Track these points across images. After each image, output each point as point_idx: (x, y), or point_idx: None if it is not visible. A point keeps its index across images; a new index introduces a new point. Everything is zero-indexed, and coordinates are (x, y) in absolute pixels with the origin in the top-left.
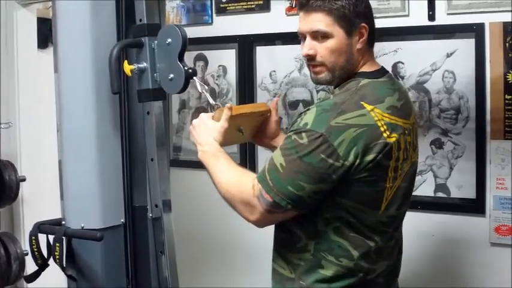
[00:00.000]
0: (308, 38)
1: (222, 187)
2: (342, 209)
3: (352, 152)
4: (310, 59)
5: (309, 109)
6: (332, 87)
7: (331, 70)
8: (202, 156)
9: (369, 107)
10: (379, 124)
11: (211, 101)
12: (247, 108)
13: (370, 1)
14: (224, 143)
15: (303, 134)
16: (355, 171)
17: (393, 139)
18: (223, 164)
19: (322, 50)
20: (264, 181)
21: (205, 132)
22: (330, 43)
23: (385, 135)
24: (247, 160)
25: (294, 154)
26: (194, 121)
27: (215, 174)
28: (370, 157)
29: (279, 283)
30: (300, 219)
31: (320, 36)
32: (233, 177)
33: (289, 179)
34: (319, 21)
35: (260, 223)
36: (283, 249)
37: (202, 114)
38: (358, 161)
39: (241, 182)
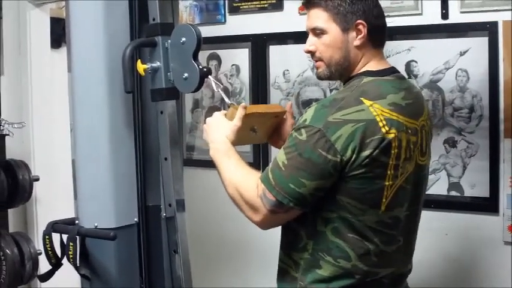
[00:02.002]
0: (310, 35)
1: (229, 186)
2: (342, 207)
3: (349, 147)
4: (312, 55)
5: (310, 106)
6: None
7: (328, 65)
8: (214, 154)
9: (368, 103)
10: (378, 119)
11: (226, 100)
12: (261, 108)
13: (383, 0)
14: (237, 142)
15: (302, 130)
16: (353, 166)
17: (392, 135)
18: (233, 164)
19: (319, 45)
20: (267, 180)
21: (219, 131)
22: (326, 39)
23: (383, 130)
24: (260, 159)
25: (294, 151)
26: (208, 119)
27: (224, 173)
28: (366, 152)
29: (284, 282)
30: (302, 219)
31: (318, 32)
32: (240, 177)
33: (291, 176)
34: (317, 17)
35: (264, 224)
36: (288, 248)
37: (216, 113)
38: (355, 156)
39: (246, 182)
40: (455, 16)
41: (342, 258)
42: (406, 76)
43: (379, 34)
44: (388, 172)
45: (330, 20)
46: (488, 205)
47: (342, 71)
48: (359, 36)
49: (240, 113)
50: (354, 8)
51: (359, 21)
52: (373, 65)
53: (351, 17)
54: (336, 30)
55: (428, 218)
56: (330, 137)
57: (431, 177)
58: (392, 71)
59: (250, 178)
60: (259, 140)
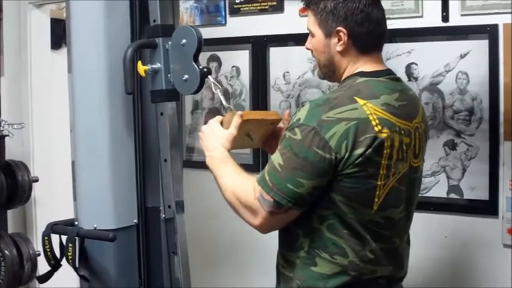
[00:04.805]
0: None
1: (226, 192)
2: (336, 205)
3: (343, 145)
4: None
5: (303, 105)
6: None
7: (318, 66)
8: (210, 162)
9: (361, 102)
10: (371, 118)
11: (224, 102)
12: (257, 115)
13: (384, 2)
14: (232, 148)
15: (296, 130)
16: (346, 165)
17: (384, 134)
18: (230, 171)
19: (311, 46)
20: (263, 182)
21: (214, 139)
22: (313, 41)
23: (376, 129)
24: (260, 160)
25: (290, 151)
26: (203, 127)
27: (221, 180)
28: (359, 151)
29: (280, 283)
30: (298, 218)
31: (311, 34)
32: (237, 182)
33: (288, 176)
34: (309, 19)
35: (263, 227)
36: (284, 248)
37: (211, 120)
38: (348, 154)
39: (243, 186)
40: (456, 19)
41: (339, 254)
42: (407, 78)
43: (366, 40)
44: (381, 172)
45: (316, 23)
46: (487, 208)
47: (330, 74)
48: (340, 43)
49: (236, 121)
50: (335, 15)
51: (339, 28)
52: (367, 67)
53: (331, 23)
54: (320, 34)
55: (427, 221)
56: (324, 135)
57: (431, 179)
58: (388, 72)
59: (247, 182)
60: (253, 146)
